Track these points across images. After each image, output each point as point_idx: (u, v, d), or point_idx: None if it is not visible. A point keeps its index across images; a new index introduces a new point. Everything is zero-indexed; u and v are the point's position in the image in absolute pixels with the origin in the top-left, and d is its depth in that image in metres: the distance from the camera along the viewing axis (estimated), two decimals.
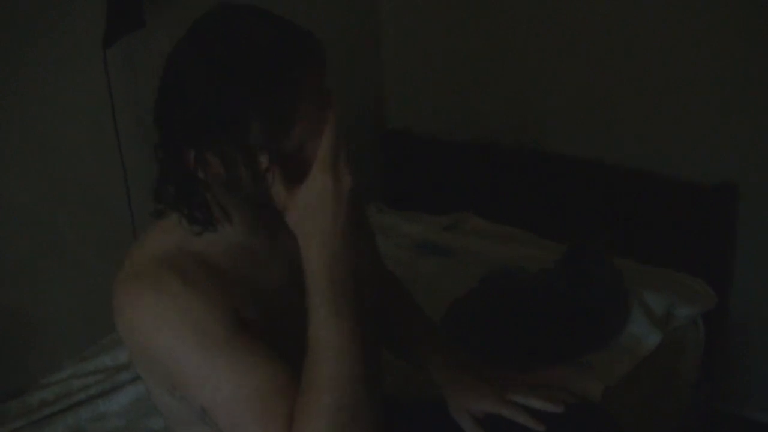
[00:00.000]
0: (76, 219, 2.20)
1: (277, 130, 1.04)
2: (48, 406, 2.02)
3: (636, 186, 2.54)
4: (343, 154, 1.07)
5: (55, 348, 2.19)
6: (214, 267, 1.15)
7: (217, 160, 1.06)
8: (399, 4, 2.99)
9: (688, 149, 2.48)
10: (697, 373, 2.31)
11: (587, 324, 2.11)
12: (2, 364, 2.08)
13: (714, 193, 2.39)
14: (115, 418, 2.01)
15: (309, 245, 1.07)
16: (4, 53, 1.98)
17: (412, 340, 1.57)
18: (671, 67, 2.45)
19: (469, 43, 2.85)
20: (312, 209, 1.06)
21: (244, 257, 1.19)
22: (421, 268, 2.43)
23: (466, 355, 1.58)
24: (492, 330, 2.08)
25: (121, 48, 2.11)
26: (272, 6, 1.14)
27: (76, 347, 2.22)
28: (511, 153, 2.78)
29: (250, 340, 1.09)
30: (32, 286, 2.13)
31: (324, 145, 1.05)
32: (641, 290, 2.25)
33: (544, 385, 1.98)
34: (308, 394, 1.03)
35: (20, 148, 2.06)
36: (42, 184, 2.12)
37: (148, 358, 1.14)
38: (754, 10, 2.26)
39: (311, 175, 1.06)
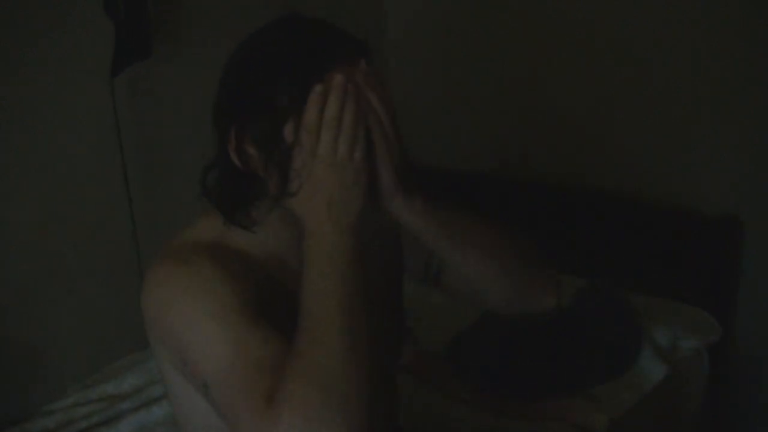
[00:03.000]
0: (81, 248, 2.20)
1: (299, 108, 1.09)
2: None
3: (640, 217, 2.54)
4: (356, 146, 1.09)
5: (59, 376, 2.18)
6: (246, 265, 1.17)
7: (252, 139, 1.11)
8: (404, 37, 3.01)
9: (693, 181, 2.49)
10: (702, 404, 2.30)
11: (598, 358, 2.11)
12: (6, 391, 2.07)
13: (718, 225, 2.39)
14: None
15: (311, 217, 1.09)
16: (12, 81, 1.99)
17: None
18: (676, 100, 2.46)
19: (475, 75, 2.86)
20: (312, 181, 1.09)
21: (277, 266, 1.21)
22: (428, 299, 2.42)
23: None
24: (498, 360, 2.07)
25: (127, 77, 2.13)
26: None
27: (79, 375, 2.21)
28: (515, 183, 2.79)
29: (261, 320, 1.09)
30: (36, 315, 2.13)
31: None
32: (646, 322, 2.25)
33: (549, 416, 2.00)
34: (292, 358, 1.02)
35: (26, 177, 2.07)
36: (47, 213, 2.12)
37: (163, 330, 1.15)
38: (760, 37, 2.28)
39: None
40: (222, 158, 1.16)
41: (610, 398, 2.04)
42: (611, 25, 2.53)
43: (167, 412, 2.02)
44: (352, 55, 1.13)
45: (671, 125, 2.50)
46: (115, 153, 2.14)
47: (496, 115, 2.84)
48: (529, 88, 2.76)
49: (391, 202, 1.16)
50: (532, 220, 2.70)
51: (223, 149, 1.15)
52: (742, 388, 2.52)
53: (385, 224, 1.23)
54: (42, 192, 2.10)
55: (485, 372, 2.10)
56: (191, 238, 1.20)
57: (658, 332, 2.23)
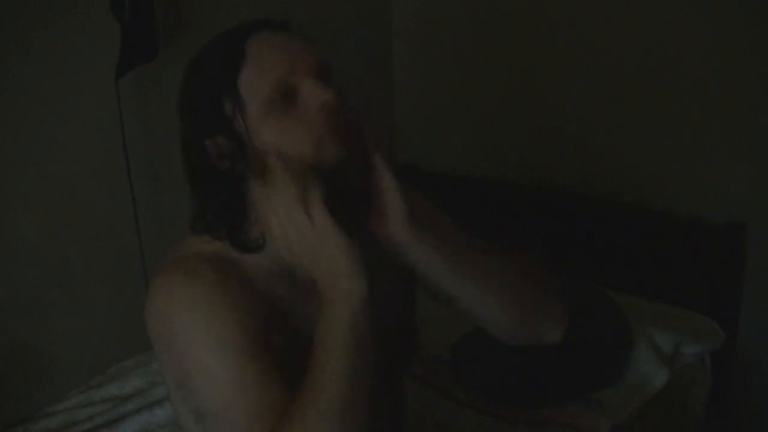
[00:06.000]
0: (85, 251, 2.19)
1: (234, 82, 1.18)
2: None
3: (645, 224, 2.53)
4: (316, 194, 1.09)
5: (63, 378, 2.18)
6: (251, 280, 1.16)
7: (214, 142, 1.18)
8: (410, 41, 3.01)
9: (697, 187, 2.49)
10: (705, 410, 2.30)
11: (594, 360, 2.11)
12: (10, 393, 2.07)
13: (722, 232, 2.39)
14: None
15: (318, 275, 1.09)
16: (15, 83, 1.99)
17: None
18: (680, 106, 2.46)
19: (479, 80, 2.87)
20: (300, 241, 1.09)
21: (281, 282, 1.18)
22: (434, 304, 2.42)
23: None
24: (501, 367, 2.07)
25: (133, 79, 2.13)
26: None
27: (83, 378, 2.21)
28: (520, 189, 2.79)
29: (264, 357, 1.08)
30: (42, 318, 2.12)
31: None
32: (649, 328, 2.25)
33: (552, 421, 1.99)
34: (297, 401, 1.03)
35: (30, 180, 2.06)
36: (52, 217, 2.12)
37: (167, 345, 1.12)
38: (765, 42, 2.27)
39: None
40: (207, 176, 1.20)
41: (613, 404, 2.04)
42: (616, 33, 2.54)
43: (170, 413, 2.02)
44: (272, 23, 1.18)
45: (675, 131, 2.50)
46: (119, 155, 2.14)
47: (500, 121, 2.85)
48: (533, 95, 2.76)
49: (403, 236, 1.16)
50: (535, 226, 2.72)
51: (205, 165, 1.18)
52: (745, 395, 2.52)
53: None
54: (46, 195, 2.10)
55: (488, 376, 2.09)
56: (195, 247, 1.18)
57: (662, 338, 2.23)
